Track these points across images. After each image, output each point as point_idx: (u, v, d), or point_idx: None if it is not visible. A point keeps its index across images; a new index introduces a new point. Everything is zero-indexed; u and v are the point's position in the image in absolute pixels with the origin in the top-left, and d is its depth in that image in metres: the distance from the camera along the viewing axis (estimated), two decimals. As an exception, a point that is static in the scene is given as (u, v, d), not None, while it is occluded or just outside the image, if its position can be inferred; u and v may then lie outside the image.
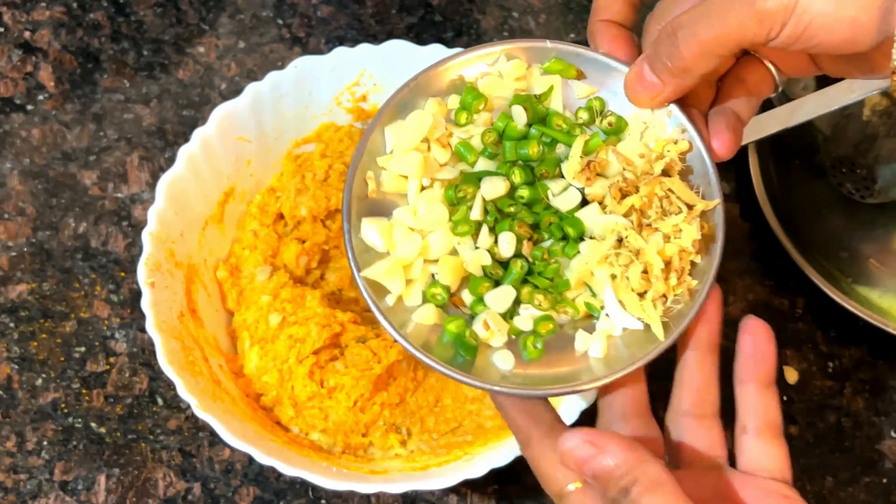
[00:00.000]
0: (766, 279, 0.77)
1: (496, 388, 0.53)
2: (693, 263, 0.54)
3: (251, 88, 0.70)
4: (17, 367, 0.71)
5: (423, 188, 0.56)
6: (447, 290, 0.54)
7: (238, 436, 0.60)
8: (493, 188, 0.55)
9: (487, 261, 0.54)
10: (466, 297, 0.55)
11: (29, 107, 0.80)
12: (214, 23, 0.84)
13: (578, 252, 0.54)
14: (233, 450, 0.64)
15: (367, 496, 0.68)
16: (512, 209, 0.55)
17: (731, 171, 0.80)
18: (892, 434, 0.72)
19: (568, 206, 0.55)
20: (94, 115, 0.79)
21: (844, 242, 0.77)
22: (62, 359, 0.71)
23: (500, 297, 0.54)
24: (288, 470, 0.60)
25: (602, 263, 0.53)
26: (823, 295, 0.73)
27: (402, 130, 0.56)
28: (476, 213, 0.54)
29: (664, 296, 0.53)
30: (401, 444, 0.67)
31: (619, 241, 0.54)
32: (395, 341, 0.53)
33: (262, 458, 0.60)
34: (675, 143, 0.55)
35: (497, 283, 0.55)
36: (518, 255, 0.55)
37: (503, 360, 0.54)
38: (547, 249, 0.55)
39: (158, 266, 0.66)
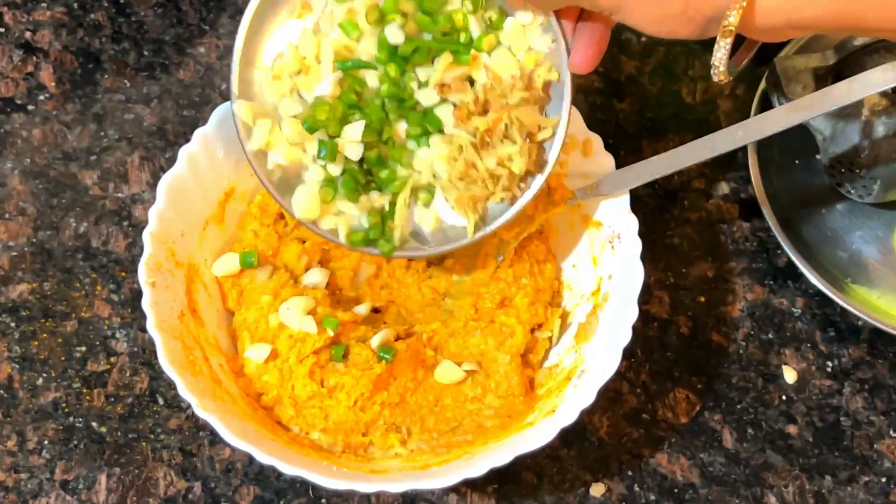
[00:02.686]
0: (765, 279, 0.77)
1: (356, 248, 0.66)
2: (525, 175, 0.64)
3: (251, 88, 0.70)
4: (17, 366, 0.71)
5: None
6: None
7: (238, 435, 0.60)
8: (352, 142, 0.63)
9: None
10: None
11: (30, 107, 0.80)
12: (215, 23, 0.84)
13: (428, 146, 0.63)
14: (233, 449, 0.64)
15: (368, 495, 0.68)
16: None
17: (731, 171, 0.80)
18: (892, 433, 0.72)
19: (428, 102, 0.63)
20: (94, 115, 0.80)
21: (844, 242, 0.77)
22: (63, 358, 0.71)
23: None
24: (288, 469, 0.60)
25: (442, 162, 0.63)
26: (823, 295, 0.73)
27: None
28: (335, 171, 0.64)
29: (488, 197, 0.64)
30: (401, 444, 0.67)
31: (461, 148, 0.63)
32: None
33: (263, 458, 0.60)
34: (549, 70, 0.62)
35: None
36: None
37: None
38: (403, 144, 0.64)
39: (159, 266, 0.66)
